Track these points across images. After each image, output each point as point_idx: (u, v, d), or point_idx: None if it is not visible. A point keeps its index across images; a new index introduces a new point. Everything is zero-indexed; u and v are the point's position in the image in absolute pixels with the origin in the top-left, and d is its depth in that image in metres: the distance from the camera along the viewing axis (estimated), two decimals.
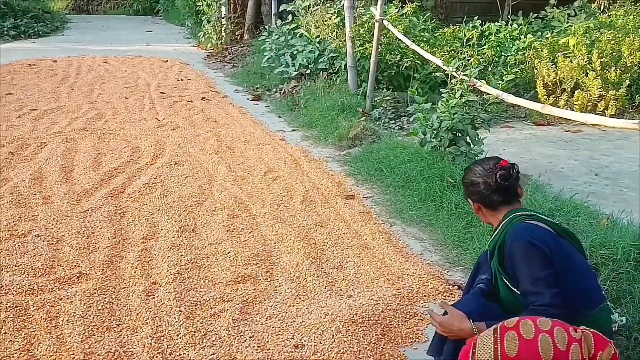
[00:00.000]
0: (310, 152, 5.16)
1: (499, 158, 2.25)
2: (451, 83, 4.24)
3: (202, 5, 11.72)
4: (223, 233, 3.47)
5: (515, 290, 2.06)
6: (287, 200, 4.00)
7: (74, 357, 2.28)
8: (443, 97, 4.15)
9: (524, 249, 2.00)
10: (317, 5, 7.55)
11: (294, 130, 5.88)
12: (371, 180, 4.45)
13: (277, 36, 8.18)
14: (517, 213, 2.17)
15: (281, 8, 8.97)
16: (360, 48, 6.41)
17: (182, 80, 8.14)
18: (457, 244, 3.41)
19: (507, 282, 2.10)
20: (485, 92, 4.19)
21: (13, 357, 2.30)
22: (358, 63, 6.52)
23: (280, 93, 7.23)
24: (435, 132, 4.18)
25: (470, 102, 4.11)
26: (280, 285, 2.96)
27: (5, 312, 2.57)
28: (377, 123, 5.76)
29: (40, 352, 2.34)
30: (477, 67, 4.41)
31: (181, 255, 3.18)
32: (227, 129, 5.76)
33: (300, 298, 2.83)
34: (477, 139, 4.10)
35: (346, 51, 6.50)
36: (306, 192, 4.14)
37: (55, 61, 9.29)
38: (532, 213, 2.19)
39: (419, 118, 4.24)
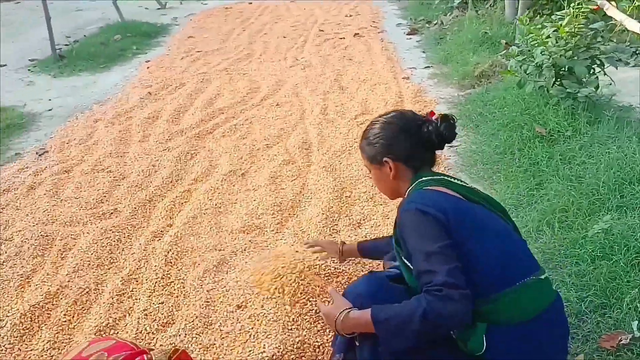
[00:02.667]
0: (426, 92, 4.65)
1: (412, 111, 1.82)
2: (569, 7, 3.35)
3: None
4: (266, 179, 3.38)
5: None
6: (355, 149, 3.70)
7: (49, 290, 2.50)
8: (545, 26, 3.31)
9: (413, 218, 1.56)
10: None
11: (427, 67, 5.35)
12: (469, 127, 3.85)
13: None
14: (424, 178, 1.69)
15: None
16: None
17: (350, 16, 7.98)
18: (517, 205, 2.78)
19: (406, 261, 1.65)
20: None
21: (13, 280, 2.61)
22: None
23: (438, 25, 6.61)
24: (539, 69, 3.39)
25: (587, 29, 3.21)
26: (280, 239, 2.79)
27: (36, 240, 2.91)
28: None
29: (35, 279, 2.61)
30: None
31: (209, 199, 3.20)
32: (356, 67, 5.50)
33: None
34: (590, 77, 3.20)
35: None
36: None
37: (251, 3, 9.88)
38: (440, 177, 1.70)
39: (512, 54, 3.47)
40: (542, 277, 1.57)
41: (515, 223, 1.71)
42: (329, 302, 1.83)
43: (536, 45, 3.32)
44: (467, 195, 1.64)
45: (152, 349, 1.76)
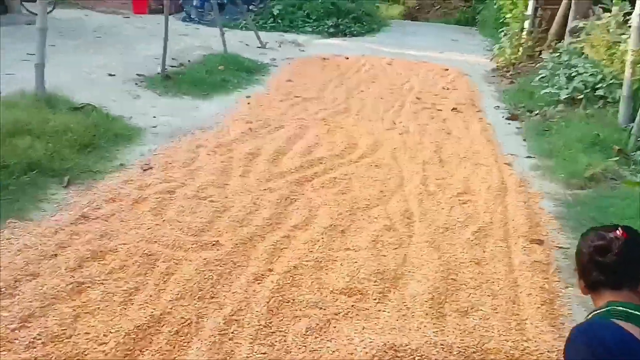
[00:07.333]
0: (530, 183, 4.53)
1: (618, 227, 1.64)
2: None
3: (508, 17, 11.39)
4: (367, 242, 3.32)
5: None
6: (459, 228, 3.60)
7: (152, 313, 2.47)
8: None
9: (574, 356, 1.43)
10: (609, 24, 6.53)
11: (529, 157, 5.24)
12: (579, 230, 3.68)
13: (559, 54, 7.38)
14: (618, 307, 1.52)
15: (573, 24, 7.99)
16: None
17: (447, 89, 7.99)
18: None
19: None
20: None
21: (117, 294, 2.60)
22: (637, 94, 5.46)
23: (541, 116, 6.51)
24: None
25: None
26: (383, 311, 2.69)
27: (141, 257, 2.92)
28: (634, 168, 4.74)
29: (138, 299, 2.60)
30: None
31: (310, 251, 3.15)
32: (455, 142, 5.45)
33: (390, 332, 2.53)
34: None
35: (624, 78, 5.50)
36: (487, 224, 3.66)
37: (347, 58, 10.05)
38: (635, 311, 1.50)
39: None
40: None
41: None
42: None
43: None
44: None
45: None
